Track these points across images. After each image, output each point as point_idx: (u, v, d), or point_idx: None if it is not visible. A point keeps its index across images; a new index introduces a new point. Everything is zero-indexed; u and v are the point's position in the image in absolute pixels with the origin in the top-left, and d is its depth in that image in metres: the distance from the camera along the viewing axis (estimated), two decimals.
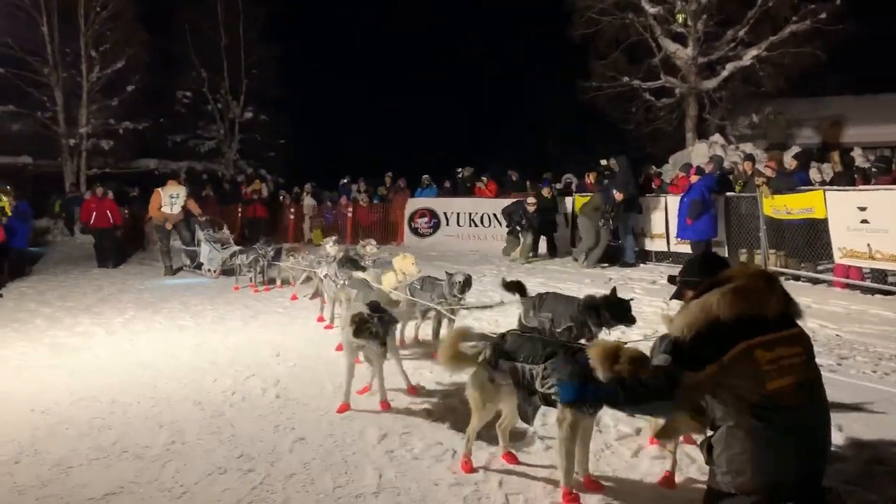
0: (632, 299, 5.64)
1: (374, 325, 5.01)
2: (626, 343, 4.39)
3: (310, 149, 29.40)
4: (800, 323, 3.23)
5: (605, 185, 13.56)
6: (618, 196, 12.62)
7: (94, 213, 15.27)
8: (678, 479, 3.90)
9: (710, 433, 3.23)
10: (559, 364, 3.65)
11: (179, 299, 10.55)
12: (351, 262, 8.37)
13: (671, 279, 3.82)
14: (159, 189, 14.07)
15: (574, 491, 3.67)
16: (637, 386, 3.12)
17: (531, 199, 14.25)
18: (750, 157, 13.05)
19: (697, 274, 3.46)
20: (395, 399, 5.31)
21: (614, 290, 5.70)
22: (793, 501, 2.93)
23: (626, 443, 4.46)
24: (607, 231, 12.80)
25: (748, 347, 2.98)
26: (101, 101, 23.19)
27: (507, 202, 16.86)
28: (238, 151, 28.34)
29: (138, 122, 24.19)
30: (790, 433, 2.94)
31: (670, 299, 3.98)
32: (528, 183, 18.10)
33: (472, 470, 4.07)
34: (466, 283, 6.68)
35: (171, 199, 13.79)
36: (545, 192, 14.72)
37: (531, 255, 14.13)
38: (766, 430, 2.94)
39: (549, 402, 3.76)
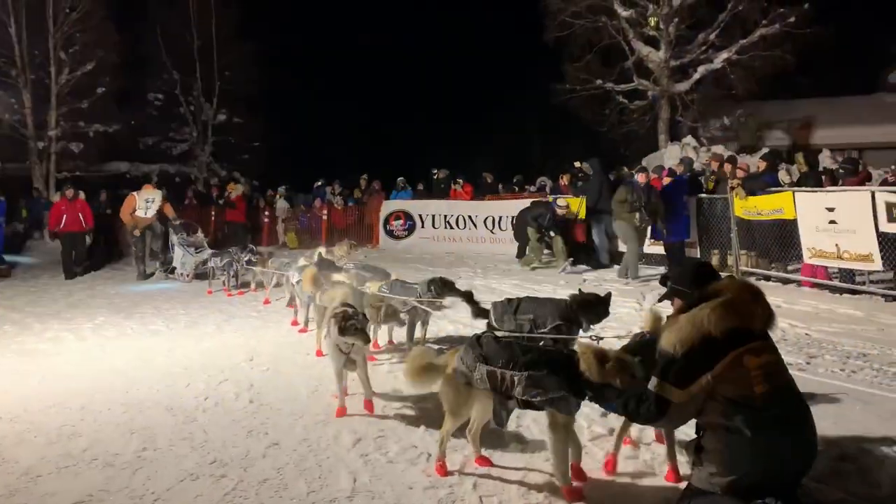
0: (609, 293, 5.78)
1: (357, 321, 5.03)
2: (600, 339, 4.44)
3: (284, 151, 29.23)
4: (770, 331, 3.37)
5: (623, 177, 12.32)
6: (641, 178, 11.38)
7: (65, 217, 14.12)
8: (650, 481, 3.94)
9: (697, 434, 3.36)
10: (546, 375, 3.66)
11: (152, 304, 10.43)
12: (328, 265, 8.35)
13: (664, 280, 3.90)
14: (135, 193, 13.79)
15: (573, 485, 3.75)
16: (633, 412, 3.37)
17: (562, 201, 12.97)
18: (732, 159, 13.14)
19: (689, 285, 3.58)
20: (364, 394, 5.27)
21: (580, 289, 5.84)
22: (775, 497, 3.03)
23: (599, 443, 4.49)
24: (644, 228, 11.31)
25: (738, 355, 3.13)
26: (71, 103, 22.83)
27: (482, 203, 16.95)
28: (211, 154, 28.08)
29: (109, 125, 23.83)
30: (784, 434, 3.07)
31: (658, 301, 4.05)
32: (500, 186, 18.19)
33: (447, 473, 4.07)
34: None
35: (146, 204, 13.51)
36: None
37: (542, 257, 13.26)
38: (759, 432, 3.05)
39: (529, 405, 3.80)
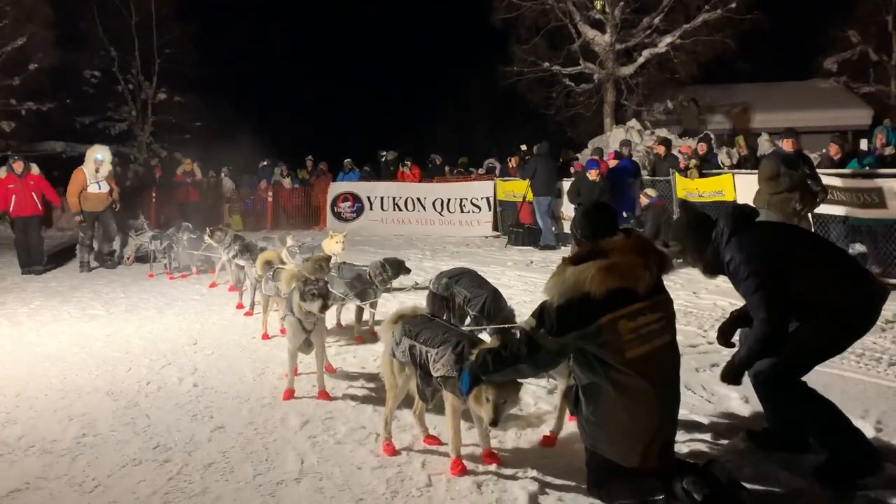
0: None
1: (316, 287, 4.95)
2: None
3: (227, 131, 28.59)
4: (688, 293, 3.43)
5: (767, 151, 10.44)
6: (787, 146, 8.24)
7: (14, 198, 11.45)
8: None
9: (573, 383, 3.48)
10: (445, 353, 3.73)
11: (90, 287, 10.13)
12: (249, 250, 8.33)
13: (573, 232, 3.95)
14: (82, 167, 11.73)
15: (462, 461, 3.83)
16: (500, 352, 3.37)
17: (651, 191, 10.91)
18: (665, 142, 13.39)
19: (587, 234, 3.54)
20: (317, 385, 5.22)
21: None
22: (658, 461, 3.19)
23: (546, 419, 4.53)
24: (806, 217, 8.08)
25: (613, 318, 3.15)
26: (1, 80, 21.91)
27: (430, 186, 16.88)
28: (151, 134, 27.28)
29: (42, 103, 22.96)
30: (646, 399, 3.17)
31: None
32: (447, 169, 18.21)
33: (395, 452, 4.07)
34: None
35: (97, 175, 11.68)
36: (592, 174, 11.53)
37: None
38: (623, 394, 3.16)
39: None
